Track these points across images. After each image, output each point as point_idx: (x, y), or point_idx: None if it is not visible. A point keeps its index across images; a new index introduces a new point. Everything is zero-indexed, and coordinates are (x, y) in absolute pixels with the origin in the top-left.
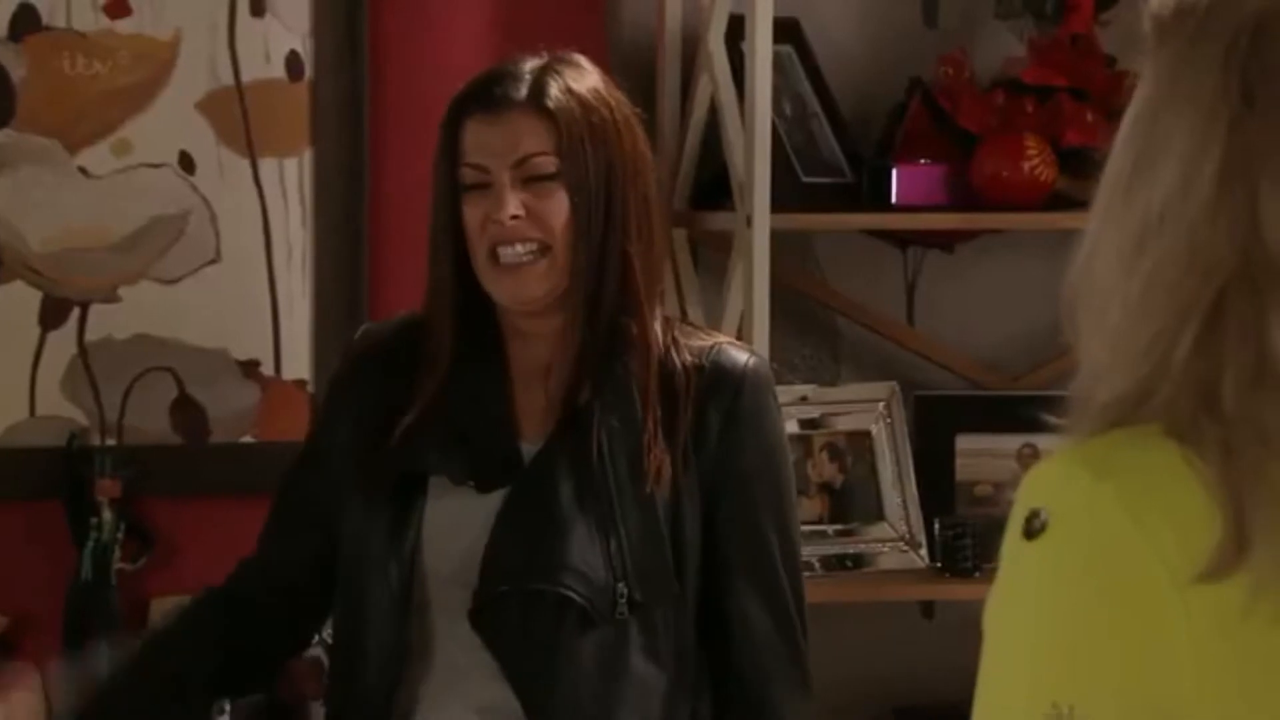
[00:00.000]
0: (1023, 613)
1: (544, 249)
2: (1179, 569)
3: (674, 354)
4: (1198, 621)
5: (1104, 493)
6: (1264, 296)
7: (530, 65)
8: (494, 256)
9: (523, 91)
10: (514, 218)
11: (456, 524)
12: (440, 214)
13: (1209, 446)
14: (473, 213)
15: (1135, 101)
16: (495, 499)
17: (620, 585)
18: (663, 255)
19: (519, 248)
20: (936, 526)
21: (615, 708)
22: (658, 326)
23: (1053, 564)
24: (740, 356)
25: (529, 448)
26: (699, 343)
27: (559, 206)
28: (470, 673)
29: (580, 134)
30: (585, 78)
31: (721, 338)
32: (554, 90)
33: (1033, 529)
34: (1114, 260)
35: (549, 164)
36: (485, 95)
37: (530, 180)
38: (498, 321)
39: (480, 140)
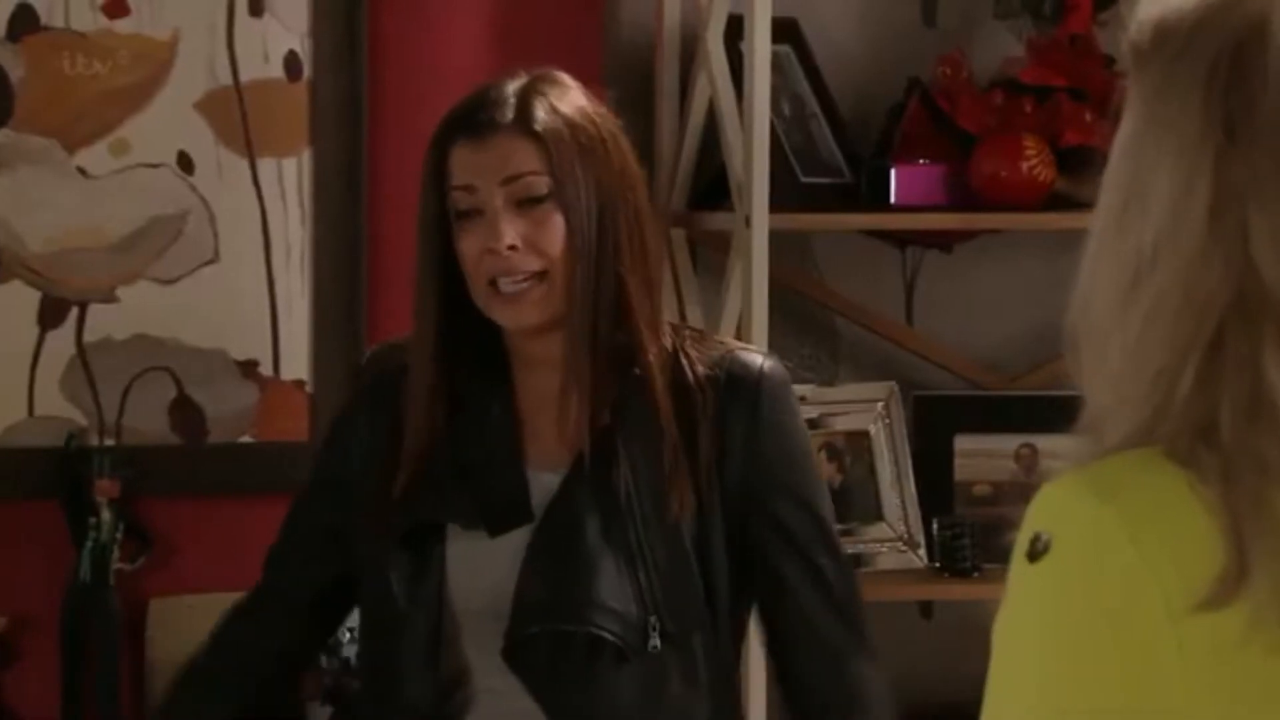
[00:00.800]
0: (1026, 635)
1: (542, 274)
2: (1176, 599)
3: (687, 367)
4: (1191, 653)
5: (1106, 517)
6: (1259, 329)
7: (513, 88)
8: (493, 285)
9: (508, 114)
10: (511, 248)
11: (480, 562)
12: (428, 245)
13: (1209, 473)
14: (469, 242)
15: (1121, 131)
16: (516, 534)
17: (652, 619)
18: (658, 268)
19: (517, 277)
20: (935, 526)
21: None
22: (667, 341)
23: (1054, 588)
24: (754, 360)
25: (549, 476)
26: (711, 352)
27: (555, 231)
28: (510, 701)
29: (570, 153)
30: (569, 96)
31: (732, 343)
32: (540, 111)
33: (1036, 551)
34: (1110, 298)
35: (541, 184)
36: (470, 121)
37: (524, 203)
38: (504, 349)
39: (467, 163)
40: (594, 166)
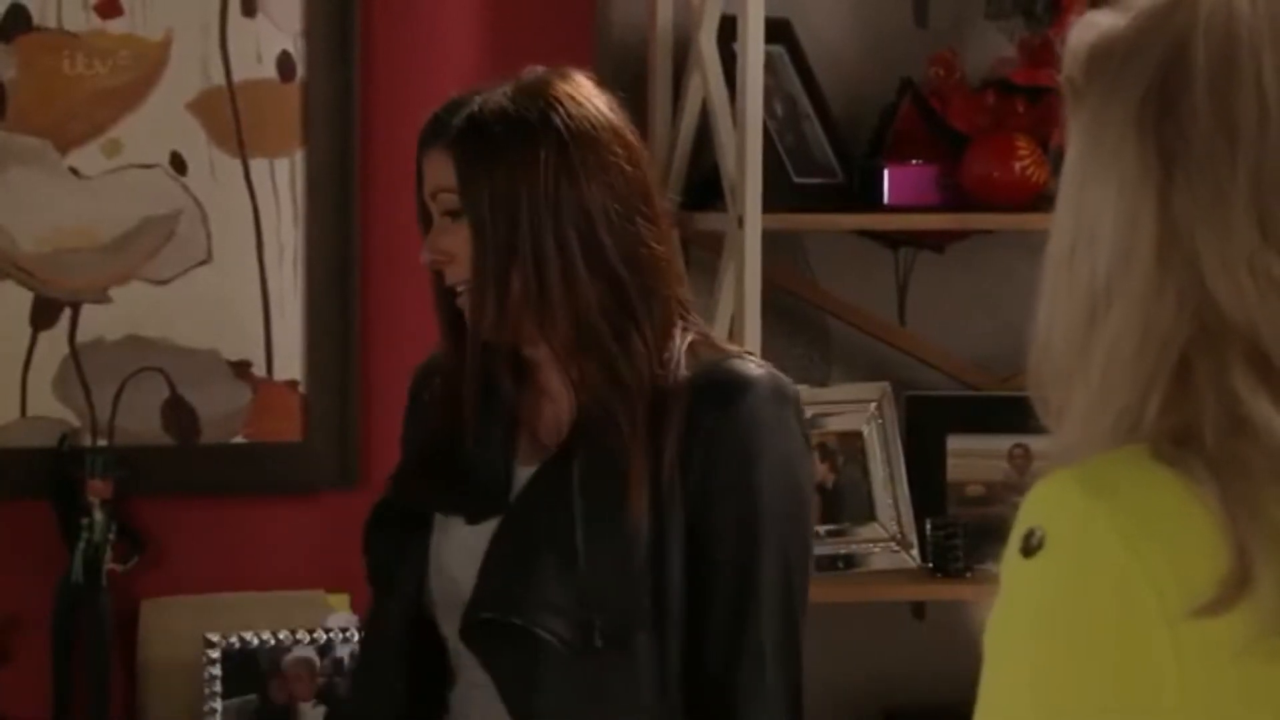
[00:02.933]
0: (1020, 632)
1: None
2: (1172, 601)
3: (672, 372)
4: (1187, 655)
5: (1098, 514)
6: (1224, 356)
7: (455, 100)
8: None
9: (438, 130)
10: (434, 261)
11: (458, 552)
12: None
13: (1198, 472)
14: None
15: (1065, 166)
16: (493, 524)
17: (593, 617)
18: (638, 269)
19: (457, 286)
20: (928, 527)
21: None
22: (676, 342)
23: (1047, 584)
24: (743, 369)
25: (529, 470)
26: (706, 358)
27: (461, 242)
28: (485, 692)
29: (483, 168)
30: (510, 104)
31: (734, 351)
32: (461, 126)
33: (1029, 547)
34: (1068, 339)
35: (451, 200)
36: (424, 131)
37: (454, 215)
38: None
39: (423, 172)
40: (506, 176)
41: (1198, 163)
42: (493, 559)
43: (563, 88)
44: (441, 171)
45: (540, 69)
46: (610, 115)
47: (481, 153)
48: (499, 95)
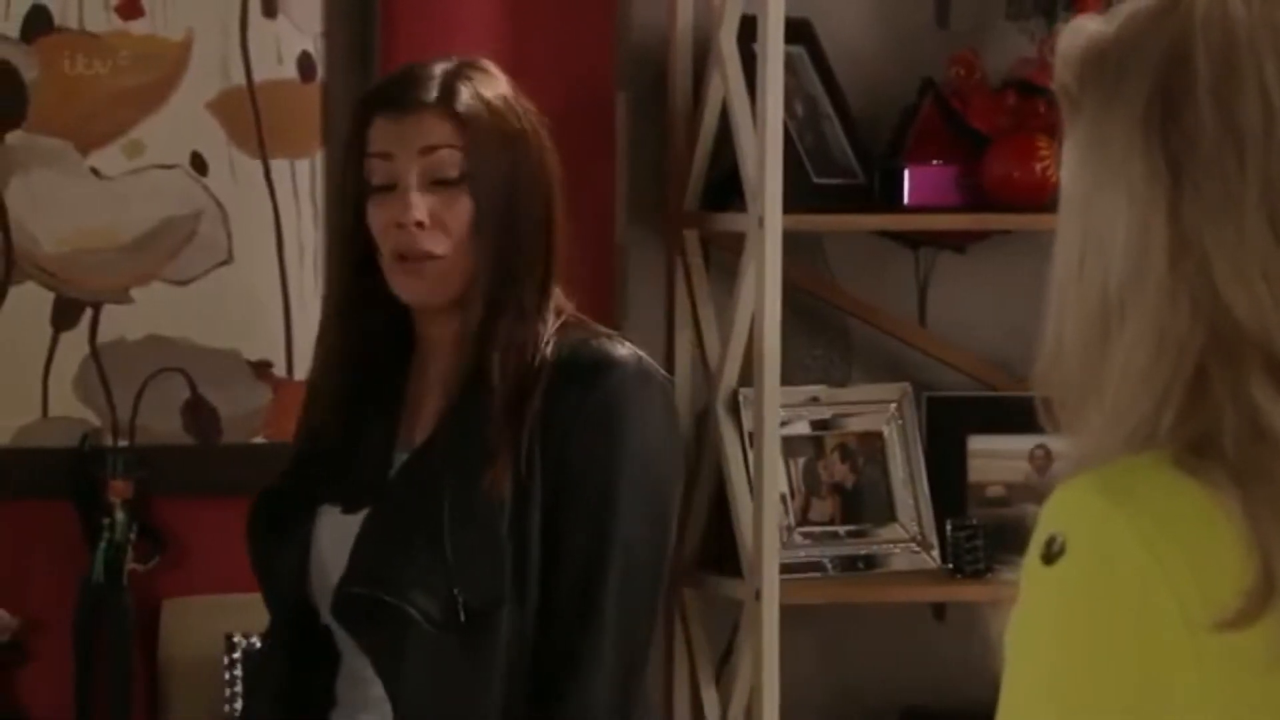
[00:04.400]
0: (1041, 638)
1: (435, 256)
2: (1195, 610)
3: (535, 352)
4: (1209, 666)
5: (1119, 520)
6: (1242, 364)
7: (440, 69)
8: (399, 257)
9: (433, 93)
10: (419, 224)
11: (333, 539)
12: (342, 215)
13: (1219, 479)
14: (379, 214)
15: (1066, 178)
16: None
17: (456, 592)
18: (558, 270)
19: (420, 255)
20: (948, 528)
21: (465, 707)
22: (545, 328)
23: (1069, 591)
24: (605, 349)
25: (404, 457)
26: (572, 338)
27: (463, 213)
28: (364, 678)
29: (488, 139)
30: (495, 85)
31: (602, 332)
32: (464, 94)
33: (1051, 554)
34: (1080, 353)
35: (455, 161)
36: (394, 94)
37: (436, 184)
38: (413, 329)
39: (387, 132)
40: (511, 157)
41: (1206, 169)
42: (363, 541)
43: (500, 74)
44: (437, 131)
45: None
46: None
47: (492, 127)
48: (471, 71)
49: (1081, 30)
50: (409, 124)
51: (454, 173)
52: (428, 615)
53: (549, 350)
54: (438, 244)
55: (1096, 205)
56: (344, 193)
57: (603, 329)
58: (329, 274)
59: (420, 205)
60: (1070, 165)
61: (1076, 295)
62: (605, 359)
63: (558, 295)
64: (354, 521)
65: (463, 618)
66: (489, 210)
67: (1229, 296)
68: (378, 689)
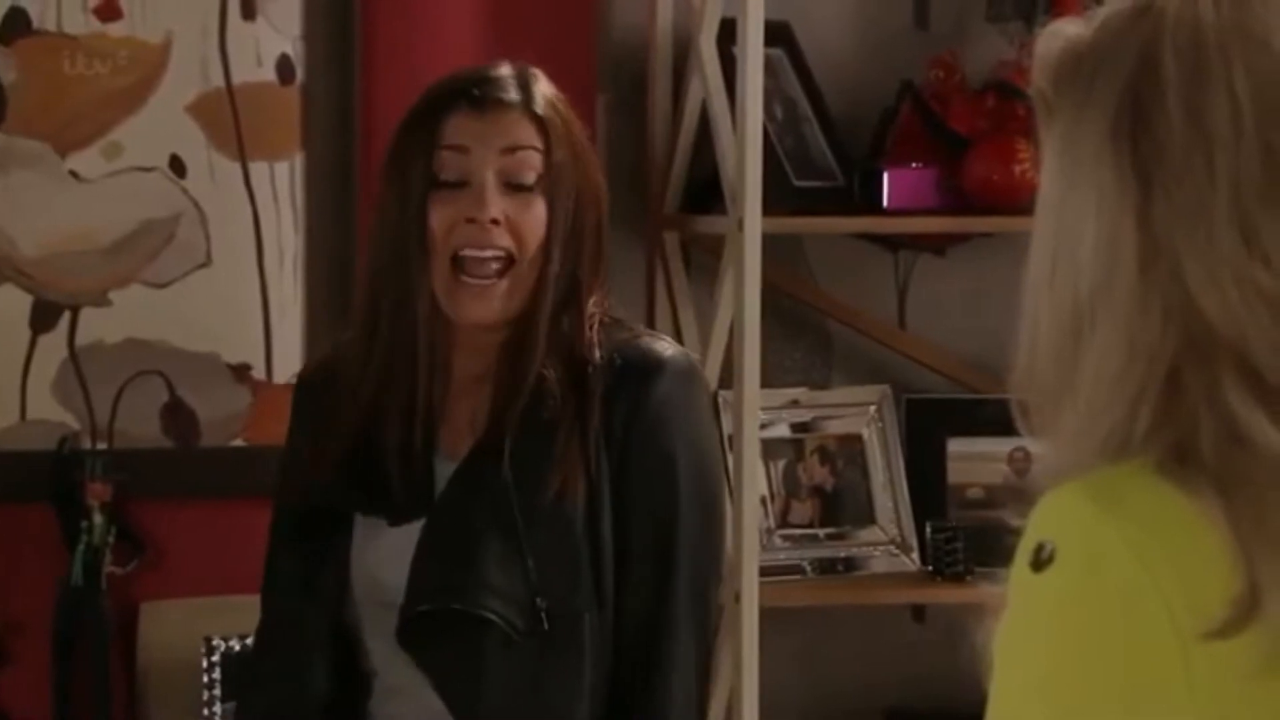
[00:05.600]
0: (1031, 645)
1: (509, 263)
2: (1183, 619)
3: (588, 354)
4: (1198, 674)
5: (1109, 528)
6: (1216, 370)
7: (509, 71)
8: (457, 267)
9: (514, 93)
10: (494, 221)
11: (382, 551)
12: (408, 212)
13: (1201, 488)
14: (444, 210)
15: (1042, 180)
16: (416, 524)
17: (539, 600)
18: (605, 278)
19: (487, 253)
20: (928, 530)
21: (552, 716)
22: (590, 334)
23: (1058, 599)
24: (656, 349)
25: (449, 467)
26: (616, 337)
27: (538, 217)
28: (409, 690)
29: (562, 144)
30: (556, 93)
31: (644, 332)
32: (540, 97)
33: (1039, 561)
34: (1053, 359)
35: (535, 164)
36: (473, 89)
37: (512, 186)
38: (446, 333)
39: (467, 128)
40: (580, 163)
41: (1176, 175)
42: (424, 555)
43: None
44: (519, 132)
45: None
46: None
47: (566, 133)
48: (536, 75)
49: (1059, 34)
50: (491, 121)
51: (532, 176)
52: (511, 624)
53: (597, 352)
54: (507, 243)
55: (1068, 211)
56: (406, 192)
57: (639, 326)
58: (396, 287)
59: (497, 203)
60: (1045, 171)
61: (1049, 301)
62: (657, 359)
63: (601, 299)
64: (403, 534)
65: (546, 625)
66: (563, 216)
67: (1201, 301)
68: (420, 709)
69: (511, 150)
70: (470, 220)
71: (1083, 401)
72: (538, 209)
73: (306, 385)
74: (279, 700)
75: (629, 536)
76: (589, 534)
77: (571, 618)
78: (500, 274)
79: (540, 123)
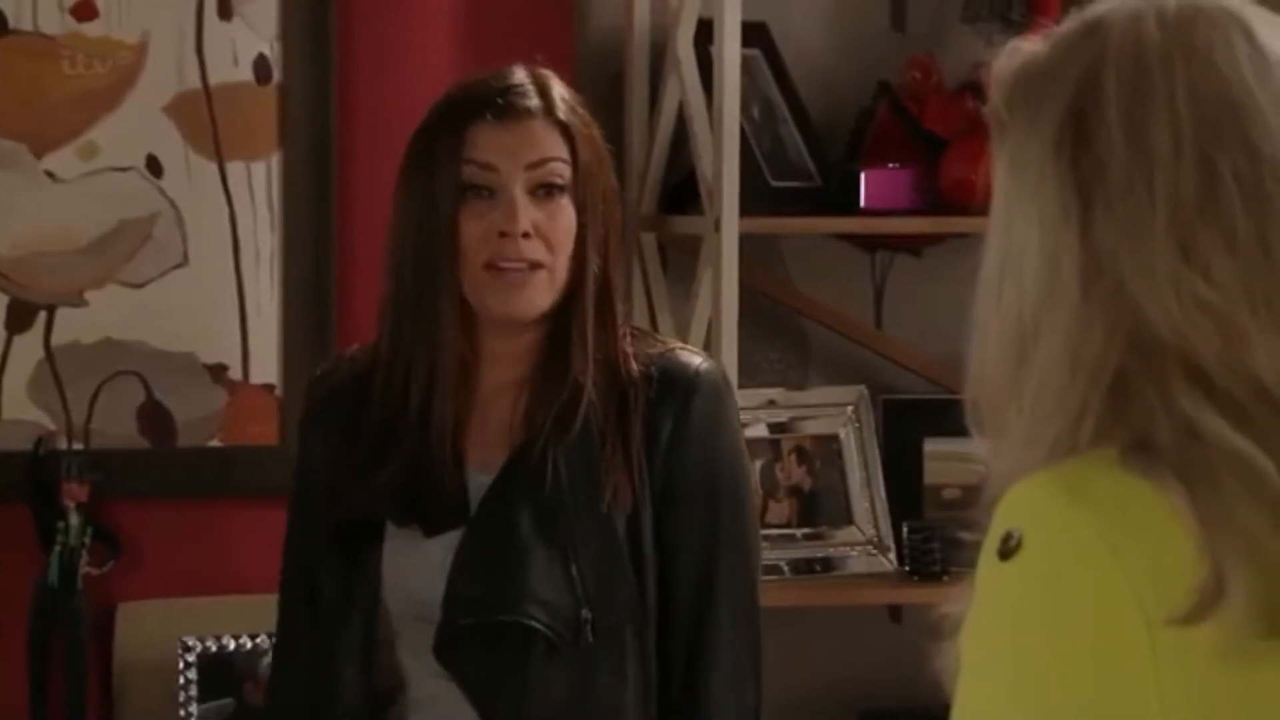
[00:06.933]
0: (998, 634)
1: (541, 265)
2: (1151, 607)
3: (622, 364)
4: (1165, 661)
5: (1078, 517)
6: (1164, 373)
7: (526, 76)
8: (492, 268)
9: (535, 101)
10: (525, 234)
11: (416, 563)
12: (438, 224)
13: (1164, 479)
14: (474, 222)
15: (994, 197)
16: (451, 535)
17: (584, 611)
18: (628, 278)
19: (520, 264)
20: (905, 530)
21: None
22: (624, 344)
23: (1026, 585)
24: (691, 361)
25: (488, 475)
26: (650, 350)
27: (568, 223)
28: (440, 703)
29: (586, 148)
30: (571, 94)
31: (673, 343)
32: (561, 103)
33: (1007, 549)
34: (1001, 370)
35: (565, 172)
36: (495, 99)
37: (538, 191)
38: (472, 341)
39: (492, 140)
40: (603, 169)
41: (1118, 192)
42: (464, 566)
43: None
44: (545, 142)
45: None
46: None
47: (588, 137)
48: (551, 77)
49: (1015, 53)
50: (516, 132)
51: (560, 182)
52: (558, 634)
53: (634, 364)
54: (540, 254)
55: (1013, 229)
56: (433, 203)
57: (673, 341)
58: (425, 300)
59: (527, 215)
60: (995, 188)
61: (997, 315)
62: (695, 371)
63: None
64: (438, 545)
65: (590, 637)
66: (593, 220)
67: (1146, 313)
68: (456, 718)
69: (539, 164)
70: (502, 234)
71: (1028, 411)
72: (568, 214)
73: (322, 396)
74: (305, 713)
75: (674, 548)
76: (632, 545)
77: (616, 629)
78: (534, 269)
79: (564, 128)
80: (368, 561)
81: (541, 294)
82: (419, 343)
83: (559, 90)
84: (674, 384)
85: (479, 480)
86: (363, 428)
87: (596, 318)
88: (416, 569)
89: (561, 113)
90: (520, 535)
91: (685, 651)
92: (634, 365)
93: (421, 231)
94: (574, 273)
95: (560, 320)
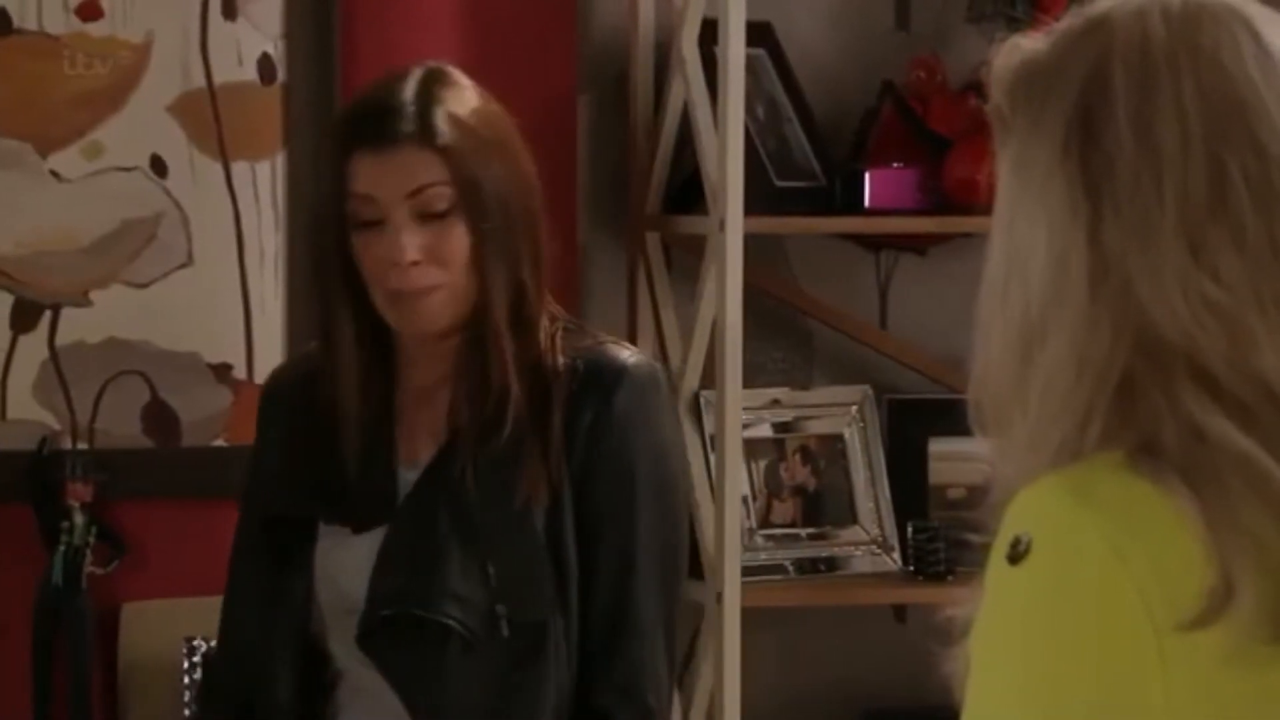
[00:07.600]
0: (1008, 637)
1: (437, 287)
2: (1159, 611)
3: (550, 358)
4: (1173, 664)
5: (1086, 522)
6: (1170, 375)
7: (410, 93)
8: (394, 293)
9: (409, 125)
10: (414, 262)
11: (345, 559)
12: (328, 254)
13: (1170, 483)
14: (368, 251)
15: (997, 196)
16: (379, 532)
17: (499, 607)
18: (548, 269)
19: (414, 289)
20: (909, 530)
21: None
22: (542, 336)
23: (1035, 591)
24: (619, 355)
25: (412, 476)
26: (579, 344)
27: (458, 243)
28: (374, 693)
29: (472, 163)
30: (464, 98)
31: (606, 339)
32: (440, 122)
33: (1016, 554)
34: (1005, 372)
35: (444, 196)
36: (371, 128)
37: (427, 217)
38: (393, 344)
39: (369, 174)
40: (495, 171)
41: (1126, 192)
42: (386, 561)
43: (465, 79)
44: (422, 169)
45: (419, 63)
46: None
47: (479, 149)
48: (440, 89)
49: (1015, 50)
50: (391, 163)
51: (444, 206)
52: (470, 630)
53: (560, 359)
54: (434, 278)
55: (1019, 229)
56: (325, 225)
57: (601, 333)
58: (328, 320)
59: (412, 244)
60: (999, 187)
61: (1001, 316)
62: (621, 366)
63: (547, 296)
64: (366, 542)
65: (506, 632)
66: (488, 233)
67: (1153, 314)
68: (390, 707)
69: (417, 193)
70: (394, 264)
71: (1033, 414)
72: (456, 233)
73: (271, 394)
74: (243, 709)
75: (592, 544)
76: (551, 541)
77: (534, 625)
78: (430, 292)
79: (441, 151)
80: (300, 557)
81: (442, 311)
82: (328, 349)
83: (445, 104)
84: (598, 377)
85: (407, 478)
86: (305, 426)
87: (513, 322)
88: (345, 564)
89: (440, 134)
90: (439, 533)
91: (597, 650)
92: (559, 359)
93: (319, 253)
94: (478, 285)
95: (476, 325)
